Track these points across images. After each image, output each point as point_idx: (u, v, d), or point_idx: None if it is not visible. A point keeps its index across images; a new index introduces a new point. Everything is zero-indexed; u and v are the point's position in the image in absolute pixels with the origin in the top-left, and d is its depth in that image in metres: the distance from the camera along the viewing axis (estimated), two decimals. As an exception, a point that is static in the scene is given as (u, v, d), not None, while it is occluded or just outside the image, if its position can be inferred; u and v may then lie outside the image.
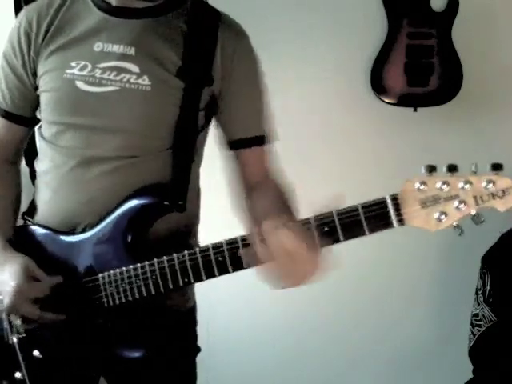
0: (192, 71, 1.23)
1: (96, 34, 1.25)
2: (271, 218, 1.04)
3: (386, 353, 2.39)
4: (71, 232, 1.26)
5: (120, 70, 1.22)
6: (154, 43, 1.23)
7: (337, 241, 1.02)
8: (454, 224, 0.94)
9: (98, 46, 1.24)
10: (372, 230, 0.98)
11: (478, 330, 1.86)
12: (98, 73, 1.22)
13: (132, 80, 1.22)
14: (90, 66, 1.23)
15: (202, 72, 1.23)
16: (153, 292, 1.17)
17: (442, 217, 0.92)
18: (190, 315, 1.41)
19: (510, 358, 1.78)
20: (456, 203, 0.91)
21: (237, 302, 2.33)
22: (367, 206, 0.98)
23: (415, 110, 2.14)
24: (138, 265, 1.17)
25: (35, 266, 1.22)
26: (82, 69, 1.23)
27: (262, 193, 1.27)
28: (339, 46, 2.19)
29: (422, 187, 0.92)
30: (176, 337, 1.33)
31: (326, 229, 1.01)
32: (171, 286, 1.15)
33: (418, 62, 2.10)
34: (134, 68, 1.22)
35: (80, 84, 1.23)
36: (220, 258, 1.09)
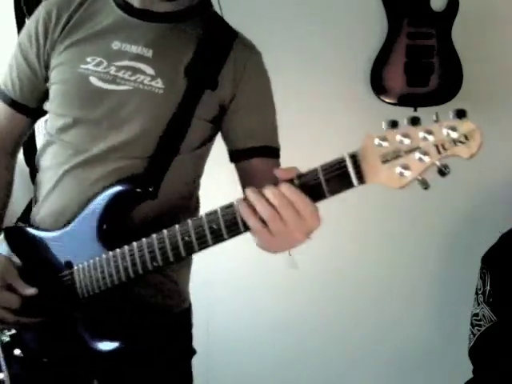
0: (198, 70, 1.23)
1: (114, 32, 1.25)
2: None
3: (386, 353, 2.39)
4: (53, 228, 1.26)
5: (135, 71, 1.22)
6: (171, 48, 1.24)
7: None
8: (419, 178, 0.87)
9: (115, 45, 1.24)
10: (332, 192, 0.93)
11: (478, 330, 1.86)
12: (112, 70, 1.23)
13: (146, 81, 1.22)
14: (105, 63, 1.23)
15: (207, 73, 1.24)
16: (123, 278, 1.14)
17: (404, 171, 0.86)
18: (186, 316, 1.41)
19: (510, 358, 1.78)
20: (417, 155, 0.85)
21: (237, 301, 2.33)
22: (327, 167, 0.94)
23: (415, 110, 2.14)
24: (110, 253, 1.15)
25: (14, 274, 1.21)
26: (97, 65, 1.23)
27: None
28: (339, 46, 2.19)
29: (383, 142, 0.87)
30: (171, 338, 1.33)
31: None
32: (140, 272, 1.13)
33: (418, 62, 2.10)
34: (149, 70, 1.22)
35: (93, 79, 1.23)
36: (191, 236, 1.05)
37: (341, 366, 2.41)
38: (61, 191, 1.27)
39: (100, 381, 1.36)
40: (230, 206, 1.01)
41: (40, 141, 1.40)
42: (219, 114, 1.28)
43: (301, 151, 2.24)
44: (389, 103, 2.15)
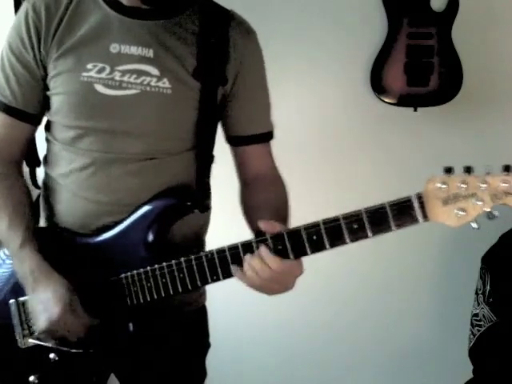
0: (207, 71, 1.23)
1: (110, 34, 1.22)
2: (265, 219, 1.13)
3: (386, 353, 2.39)
4: (90, 233, 1.25)
5: (140, 73, 1.21)
6: (170, 44, 1.23)
7: (365, 237, 1.05)
8: (473, 219, 1.01)
9: (114, 48, 1.21)
10: (399, 226, 1.03)
11: (478, 330, 1.86)
12: (117, 76, 1.20)
13: (152, 83, 1.21)
14: (108, 69, 1.20)
15: (216, 72, 1.24)
16: (180, 290, 1.18)
17: (462, 213, 0.99)
18: (205, 311, 1.43)
19: (510, 357, 1.78)
20: (474, 200, 0.99)
21: (237, 301, 2.33)
22: (394, 204, 1.02)
23: (415, 110, 2.14)
24: (164, 264, 1.18)
25: (77, 300, 1.19)
26: (99, 71, 1.20)
27: (262, 186, 1.32)
28: (339, 45, 2.19)
29: (443, 186, 1.00)
30: (194, 334, 1.37)
31: (355, 226, 1.05)
32: (199, 284, 1.17)
33: (418, 62, 2.10)
34: (154, 71, 1.21)
35: (99, 87, 1.20)
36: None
37: (341, 365, 2.41)
38: (82, 195, 1.25)
39: (117, 374, 1.39)
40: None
41: (41, 144, 1.36)
42: (221, 100, 1.29)
43: (300, 151, 2.25)
44: (389, 103, 2.15)
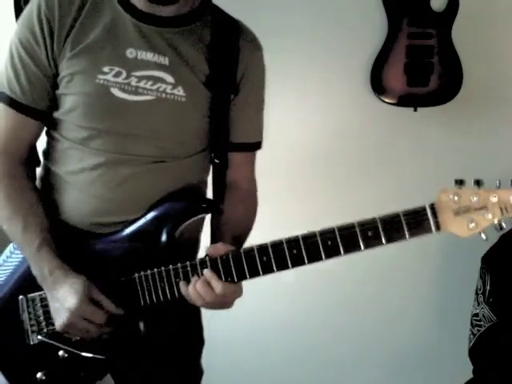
0: (219, 80, 1.26)
1: (126, 38, 1.22)
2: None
3: (386, 353, 2.39)
4: (103, 232, 1.26)
5: (156, 80, 1.22)
6: (184, 53, 1.24)
7: (379, 244, 1.10)
8: (483, 231, 1.05)
9: (130, 53, 1.22)
10: (412, 235, 1.06)
11: (478, 330, 1.86)
12: (133, 81, 1.21)
13: (168, 90, 1.22)
14: (124, 73, 1.21)
15: (228, 81, 1.27)
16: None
17: (472, 224, 1.04)
18: (198, 308, 1.43)
19: (510, 357, 1.78)
20: (484, 213, 1.03)
21: (238, 300, 2.33)
22: (408, 213, 1.06)
23: (415, 110, 2.14)
24: (179, 264, 1.19)
25: (97, 290, 1.19)
26: (116, 75, 1.21)
27: (236, 197, 1.35)
28: (339, 46, 2.19)
29: (456, 198, 1.04)
30: (187, 329, 1.39)
31: (370, 233, 1.09)
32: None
33: (418, 62, 2.10)
34: (169, 78, 1.23)
35: (115, 91, 1.21)
36: (265, 258, 1.16)
37: (340, 365, 2.41)
38: (91, 193, 1.25)
39: (112, 371, 1.39)
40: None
41: (44, 142, 1.35)
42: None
43: (300, 151, 2.25)
44: (389, 103, 2.15)
